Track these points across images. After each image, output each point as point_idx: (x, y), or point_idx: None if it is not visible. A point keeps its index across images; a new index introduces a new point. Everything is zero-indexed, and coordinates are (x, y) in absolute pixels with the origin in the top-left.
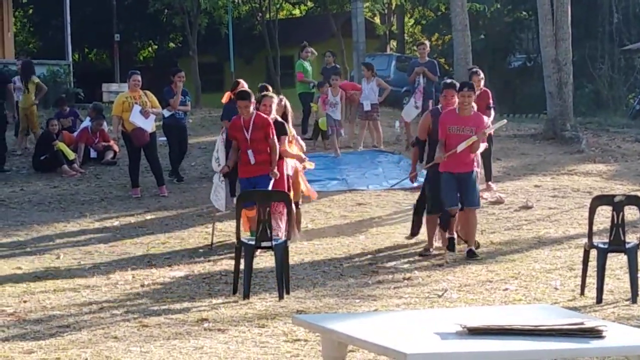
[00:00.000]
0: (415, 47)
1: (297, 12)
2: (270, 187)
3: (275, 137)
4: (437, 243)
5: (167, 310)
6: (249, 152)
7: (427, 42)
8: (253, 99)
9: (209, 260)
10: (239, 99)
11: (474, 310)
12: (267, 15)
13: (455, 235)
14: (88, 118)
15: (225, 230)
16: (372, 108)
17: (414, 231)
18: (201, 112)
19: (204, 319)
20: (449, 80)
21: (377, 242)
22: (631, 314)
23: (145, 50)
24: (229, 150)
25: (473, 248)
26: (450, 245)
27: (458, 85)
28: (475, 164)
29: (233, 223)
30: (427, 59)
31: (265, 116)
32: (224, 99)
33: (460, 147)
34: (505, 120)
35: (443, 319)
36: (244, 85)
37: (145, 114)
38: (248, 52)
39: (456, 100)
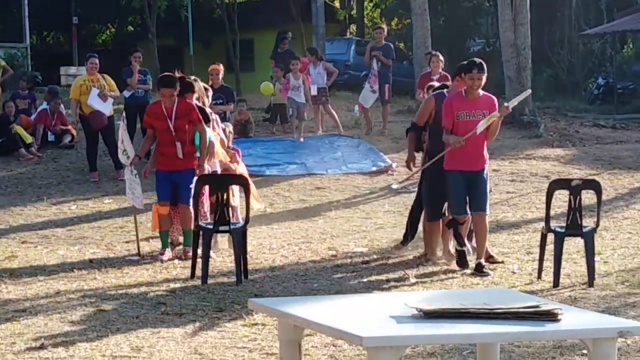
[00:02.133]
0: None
1: None
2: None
3: (202, 122)
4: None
5: (125, 294)
6: (177, 144)
7: (385, 27)
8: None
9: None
10: (164, 86)
11: (431, 294)
12: None
13: (469, 248)
14: (45, 102)
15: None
16: (319, 92)
17: (406, 239)
18: None
19: (161, 303)
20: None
21: (335, 226)
22: (587, 298)
23: (103, 33)
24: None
25: (482, 261)
26: (460, 259)
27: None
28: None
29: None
30: (384, 42)
31: (188, 101)
32: None
33: (480, 127)
34: (529, 90)
35: (400, 302)
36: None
37: (103, 97)
38: (207, 35)
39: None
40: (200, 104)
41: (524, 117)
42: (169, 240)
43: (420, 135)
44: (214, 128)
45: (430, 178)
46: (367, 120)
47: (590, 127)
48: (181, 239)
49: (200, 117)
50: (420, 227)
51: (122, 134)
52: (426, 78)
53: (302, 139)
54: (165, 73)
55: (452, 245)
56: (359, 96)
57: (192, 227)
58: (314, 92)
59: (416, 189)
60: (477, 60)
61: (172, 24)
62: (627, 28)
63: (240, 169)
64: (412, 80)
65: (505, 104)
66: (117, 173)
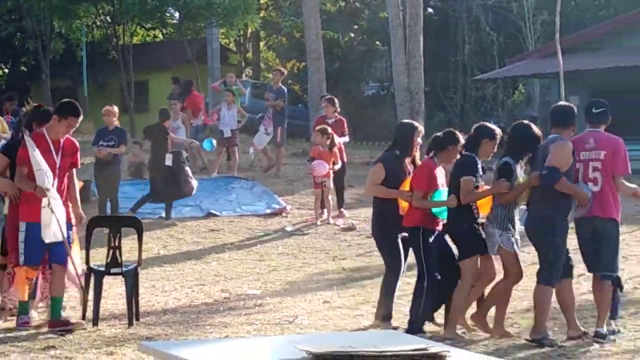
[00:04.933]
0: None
1: (151, 37)
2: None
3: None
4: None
5: (14, 338)
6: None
7: (283, 70)
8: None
9: None
10: (74, 115)
11: (322, 336)
12: (122, 40)
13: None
14: None
15: None
16: (232, 134)
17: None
18: None
19: (51, 346)
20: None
21: (229, 268)
22: (477, 340)
23: None
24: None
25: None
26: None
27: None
28: None
29: None
30: (279, 85)
31: (73, 139)
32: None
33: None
34: None
35: (290, 345)
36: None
37: None
38: (102, 76)
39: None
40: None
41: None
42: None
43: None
44: None
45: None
46: (267, 158)
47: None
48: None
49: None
50: None
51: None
52: (321, 121)
53: None
54: (66, 100)
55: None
56: (254, 138)
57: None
58: (227, 134)
59: (309, 231)
60: None
61: (67, 64)
62: (518, 73)
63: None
64: (308, 123)
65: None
66: None
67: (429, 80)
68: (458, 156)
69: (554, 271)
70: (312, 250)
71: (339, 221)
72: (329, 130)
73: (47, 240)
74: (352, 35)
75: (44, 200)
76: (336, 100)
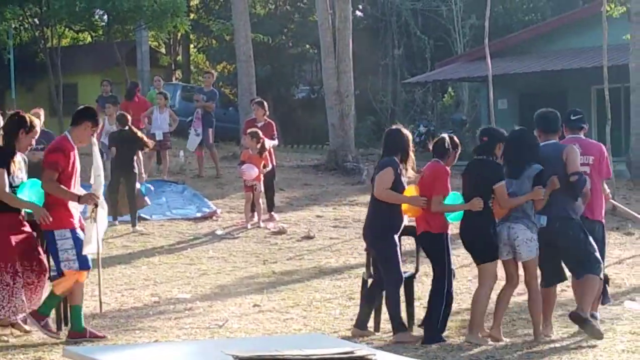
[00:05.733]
0: (200, 78)
1: (80, 40)
2: None
3: None
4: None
5: None
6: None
7: (214, 72)
8: None
9: None
10: (92, 120)
11: (250, 340)
12: (50, 43)
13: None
14: None
15: None
16: (164, 137)
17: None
18: None
19: None
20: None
21: (159, 272)
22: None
23: None
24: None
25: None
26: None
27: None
28: None
29: None
30: (211, 87)
31: None
32: None
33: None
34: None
35: (217, 350)
36: None
37: None
38: (30, 79)
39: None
40: None
41: (347, 164)
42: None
43: None
44: None
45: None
46: (200, 163)
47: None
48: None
49: None
50: None
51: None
52: (251, 124)
53: None
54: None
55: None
56: (187, 142)
57: None
58: (159, 137)
59: (240, 234)
60: None
61: None
62: (447, 77)
63: None
64: (238, 126)
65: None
66: None
67: (359, 84)
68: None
69: (594, 261)
70: (242, 253)
71: (270, 224)
72: (260, 133)
73: (84, 252)
74: (283, 38)
75: (89, 209)
76: (265, 104)
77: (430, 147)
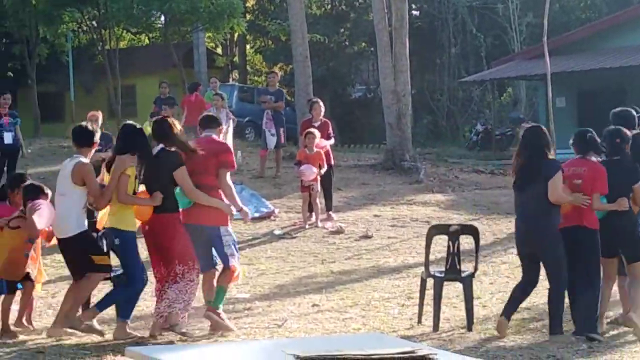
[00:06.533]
0: (265, 77)
1: (138, 41)
2: None
3: None
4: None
5: (2, 344)
6: None
7: (278, 72)
8: None
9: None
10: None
11: (310, 339)
12: (108, 45)
13: None
14: None
15: None
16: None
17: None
18: (40, 142)
19: (40, 352)
20: None
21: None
22: (466, 342)
23: None
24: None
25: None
26: None
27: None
28: None
29: None
30: (276, 87)
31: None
32: None
33: None
34: None
35: (278, 349)
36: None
37: None
38: (89, 81)
39: None
40: None
41: (405, 163)
42: None
43: None
44: None
45: None
46: (261, 165)
47: (470, 172)
48: None
49: None
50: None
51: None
52: (307, 124)
53: None
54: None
55: None
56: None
57: None
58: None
59: (298, 234)
60: None
61: (53, 69)
62: (504, 75)
63: None
64: (295, 126)
65: None
66: None
67: (416, 83)
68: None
69: None
70: (300, 253)
71: (327, 224)
72: (316, 133)
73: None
74: (339, 38)
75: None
76: (322, 103)
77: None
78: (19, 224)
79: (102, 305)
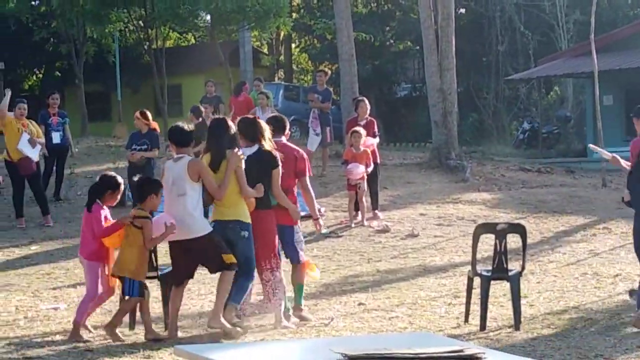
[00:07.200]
0: (311, 75)
1: (184, 41)
2: None
3: None
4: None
5: (51, 342)
6: None
7: (327, 71)
8: None
9: None
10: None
11: (357, 338)
12: (154, 44)
13: None
14: None
15: None
16: None
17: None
18: (87, 141)
19: (88, 350)
20: None
21: None
22: (514, 341)
23: (30, 78)
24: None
25: None
26: None
27: None
28: None
29: None
30: (325, 86)
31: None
32: None
33: None
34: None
35: (325, 348)
36: None
37: (32, 143)
38: (135, 81)
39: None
40: None
41: (451, 161)
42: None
43: None
44: None
45: None
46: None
47: (516, 171)
48: None
49: None
50: None
51: None
52: (353, 123)
53: None
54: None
55: None
56: (307, 142)
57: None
58: None
59: (344, 233)
60: None
61: (100, 69)
62: (551, 73)
63: None
64: (341, 125)
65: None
66: (43, 219)
67: (462, 81)
68: None
69: None
70: (346, 252)
71: (374, 223)
72: (362, 132)
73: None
74: (384, 36)
75: None
76: (367, 102)
77: None
78: (142, 224)
79: (237, 297)
